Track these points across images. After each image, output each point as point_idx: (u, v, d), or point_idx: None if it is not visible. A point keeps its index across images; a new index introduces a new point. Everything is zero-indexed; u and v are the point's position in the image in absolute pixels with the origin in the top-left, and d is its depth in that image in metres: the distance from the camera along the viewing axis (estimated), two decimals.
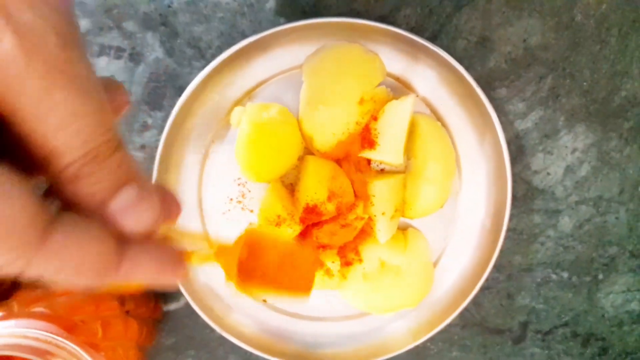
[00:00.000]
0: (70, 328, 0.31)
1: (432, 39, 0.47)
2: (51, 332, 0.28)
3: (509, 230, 0.50)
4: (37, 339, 0.28)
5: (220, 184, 0.47)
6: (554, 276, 0.51)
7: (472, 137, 0.47)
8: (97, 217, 0.17)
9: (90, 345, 0.31)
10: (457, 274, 0.48)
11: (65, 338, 0.28)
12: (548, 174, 0.50)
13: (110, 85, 0.20)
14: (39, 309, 0.34)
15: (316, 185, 0.43)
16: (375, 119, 0.44)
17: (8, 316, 0.33)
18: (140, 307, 0.42)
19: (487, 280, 0.46)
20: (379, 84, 0.45)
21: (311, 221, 0.44)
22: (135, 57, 0.47)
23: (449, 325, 0.46)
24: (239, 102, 0.46)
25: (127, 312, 0.40)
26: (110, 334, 0.35)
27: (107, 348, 0.34)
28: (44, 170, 0.17)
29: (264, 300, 0.48)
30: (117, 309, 0.38)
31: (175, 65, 0.47)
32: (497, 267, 0.51)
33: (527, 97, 0.49)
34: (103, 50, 0.47)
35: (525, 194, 0.50)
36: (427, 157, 0.45)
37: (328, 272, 0.45)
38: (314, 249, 0.45)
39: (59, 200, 0.17)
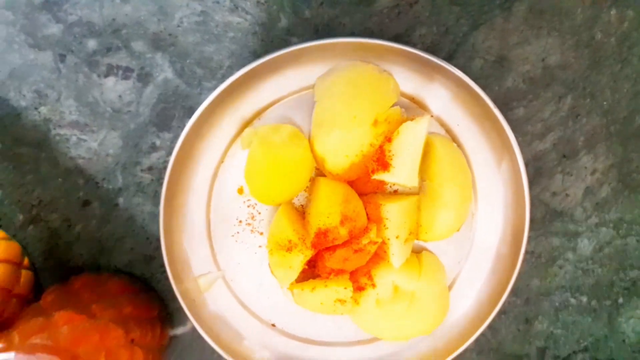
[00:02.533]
0: None
1: (448, 58, 0.46)
2: None
3: (526, 253, 0.49)
4: None
5: (229, 206, 0.46)
6: (573, 300, 0.50)
7: (489, 158, 0.45)
8: None
9: None
10: (473, 299, 0.47)
11: None
12: (567, 195, 0.49)
13: None
14: (40, 340, 0.32)
15: (328, 209, 0.42)
16: (389, 140, 0.43)
17: (8, 348, 0.32)
18: (146, 334, 0.40)
19: (504, 304, 0.44)
20: (393, 105, 0.43)
21: (323, 246, 0.42)
22: (143, 78, 0.46)
23: (464, 351, 0.45)
24: (249, 122, 0.45)
25: (132, 340, 0.38)
26: None
27: None
28: None
29: (273, 325, 0.47)
30: (122, 338, 0.37)
31: (185, 86, 0.46)
32: (514, 291, 0.50)
33: (545, 118, 0.47)
34: (111, 71, 0.46)
35: (544, 216, 0.49)
36: (442, 179, 0.44)
37: (340, 298, 0.43)
38: (324, 274, 0.44)
39: None
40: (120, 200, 0.48)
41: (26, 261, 0.46)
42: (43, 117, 0.47)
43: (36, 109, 0.46)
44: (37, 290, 0.47)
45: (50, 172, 0.47)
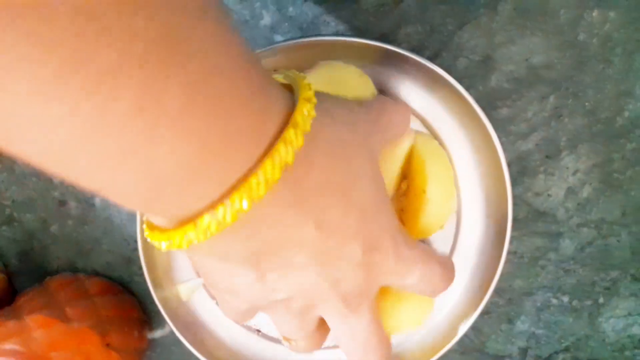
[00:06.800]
0: None
1: (433, 57, 0.46)
2: None
3: (509, 253, 0.49)
4: None
5: None
6: (554, 300, 0.50)
7: (472, 157, 0.45)
8: None
9: None
10: (456, 298, 0.47)
11: None
12: (549, 195, 0.49)
13: None
14: (11, 345, 0.31)
15: None
16: None
17: None
18: (123, 337, 0.39)
19: (487, 304, 0.44)
20: None
21: None
22: None
23: (448, 351, 0.45)
24: None
25: (108, 344, 0.37)
26: None
27: None
28: None
29: (258, 331, 0.46)
30: (97, 343, 0.36)
31: None
32: (497, 291, 0.50)
33: (529, 118, 0.47)
34: None
35: (527, 216, 0.49)
36: (425, 178, 0.43)
37: None
38: None
39: None
40: (97, 200, 0.46)
41: None
42: None
43: None
44: (13, 295, 0.45)
45: (24, 171, 0.46)
